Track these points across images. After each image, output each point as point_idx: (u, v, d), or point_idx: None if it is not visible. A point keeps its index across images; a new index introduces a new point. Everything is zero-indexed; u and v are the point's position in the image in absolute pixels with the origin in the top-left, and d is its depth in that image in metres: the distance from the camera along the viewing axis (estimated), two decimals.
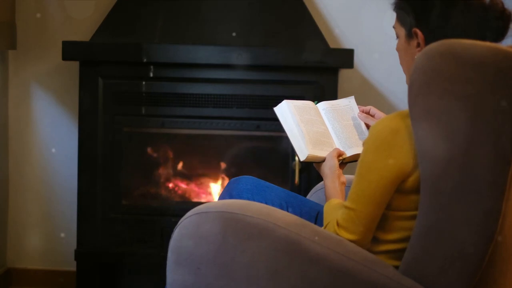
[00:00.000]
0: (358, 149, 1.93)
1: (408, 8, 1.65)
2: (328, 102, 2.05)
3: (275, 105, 2.00)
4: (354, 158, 1.93)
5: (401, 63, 1.72)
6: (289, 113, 1.96)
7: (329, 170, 1.86)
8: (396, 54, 1.73)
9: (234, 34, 2.89)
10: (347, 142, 1.96)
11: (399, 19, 1.68)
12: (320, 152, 1.92)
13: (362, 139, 1.95)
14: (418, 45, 1.64)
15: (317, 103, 2.05)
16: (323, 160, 1.91)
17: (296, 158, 2.88)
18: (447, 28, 1.58)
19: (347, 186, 1.89)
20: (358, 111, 2.02)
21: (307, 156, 1.91)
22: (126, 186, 3.03)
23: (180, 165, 3.19)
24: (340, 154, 1.91)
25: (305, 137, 1.92)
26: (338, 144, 1.96)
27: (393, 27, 1.71)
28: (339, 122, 2.00)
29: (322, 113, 2.02)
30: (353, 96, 2.06)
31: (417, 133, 1.51)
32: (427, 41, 1.61)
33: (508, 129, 1.46)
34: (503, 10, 1.58)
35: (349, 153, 1.93)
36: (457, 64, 1.46)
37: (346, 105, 2.04)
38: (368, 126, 1.98)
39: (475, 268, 1.52)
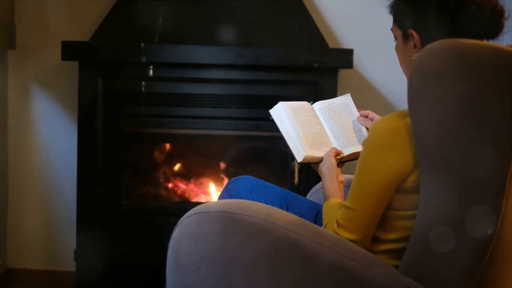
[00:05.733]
0: (356, 148, 1.93)
1: (403, 11, 1.65)
2: (324, 102, 2.04)
3: (275, 105, 2.00)
4: (352, 157, 1.93)
5: (400, 64, 1.73)
6: (284, 114, 1.96)
7: (327, 169, 1.86)
8: (395, 54, 1.74)
9: (235, 38, 2.89)
10: (345, 141, 1.95)
11: (396, 21, 1.70)
12: (317, 152, 1.91)
13: (360, 138, 1.95)
14: (415, 46, 1.64)
15: (312, 103, 2.04)
16: (320, 160, 1.91)
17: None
18: (442, 28, 1.59)
19: (345, 185, 1.89)
20: (357, 111, 2.02)
21: (304, 157, 1.90)
22: (126, 186, 3.02)
23: (179, 165, 3.19)
24: (337, 153, 1.91)
25: (302, 138, 1.92)
26: (335, 144, 1.96)
27: (391, 29, 1.72)
28: (335, 121, 1.99)
29: (318, 113, 2.02)
30: (349, 94, 2.06)
31: (417, 132, 1.51)
32: (423, 42, 1.62)
33: (508, 129, 1.46)
34: (495, 6, 1.58)
35: (346, 152, 1.93)
36: (457, 63, 1.46)
37: (343, 103, 2.04)
38: (367, 129, 1.98)
39: (475, 267, 1.51)
